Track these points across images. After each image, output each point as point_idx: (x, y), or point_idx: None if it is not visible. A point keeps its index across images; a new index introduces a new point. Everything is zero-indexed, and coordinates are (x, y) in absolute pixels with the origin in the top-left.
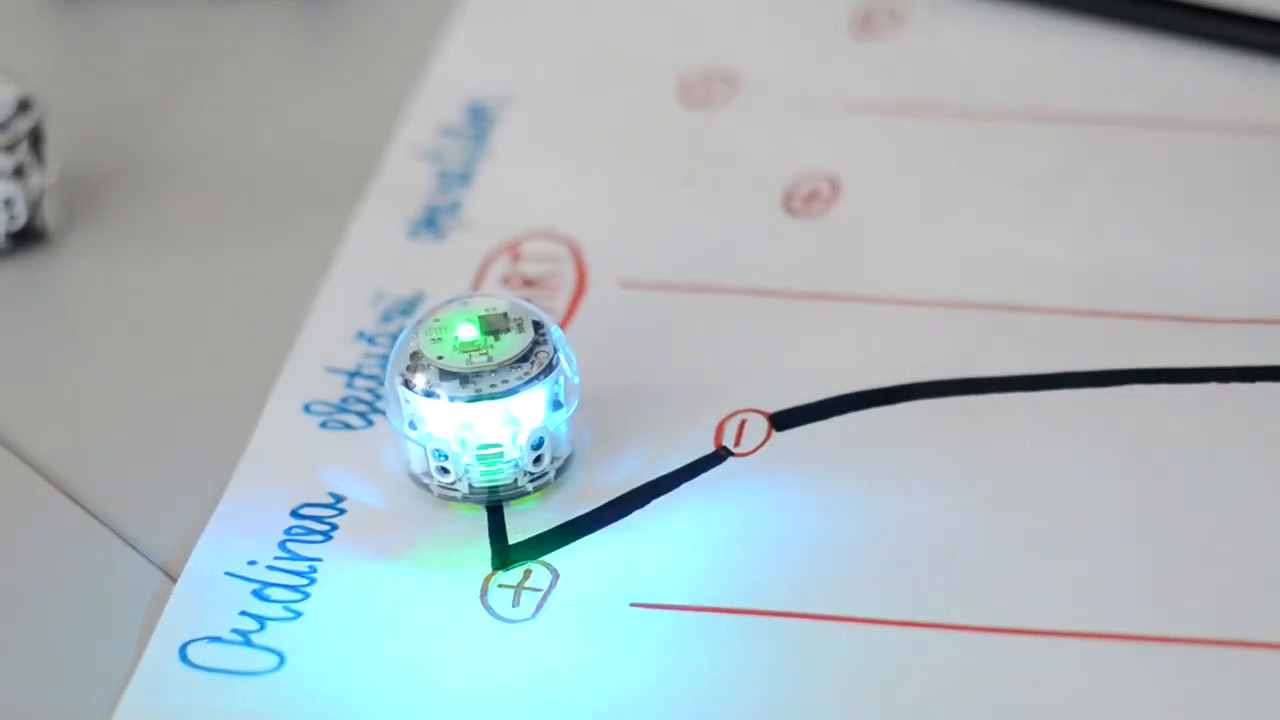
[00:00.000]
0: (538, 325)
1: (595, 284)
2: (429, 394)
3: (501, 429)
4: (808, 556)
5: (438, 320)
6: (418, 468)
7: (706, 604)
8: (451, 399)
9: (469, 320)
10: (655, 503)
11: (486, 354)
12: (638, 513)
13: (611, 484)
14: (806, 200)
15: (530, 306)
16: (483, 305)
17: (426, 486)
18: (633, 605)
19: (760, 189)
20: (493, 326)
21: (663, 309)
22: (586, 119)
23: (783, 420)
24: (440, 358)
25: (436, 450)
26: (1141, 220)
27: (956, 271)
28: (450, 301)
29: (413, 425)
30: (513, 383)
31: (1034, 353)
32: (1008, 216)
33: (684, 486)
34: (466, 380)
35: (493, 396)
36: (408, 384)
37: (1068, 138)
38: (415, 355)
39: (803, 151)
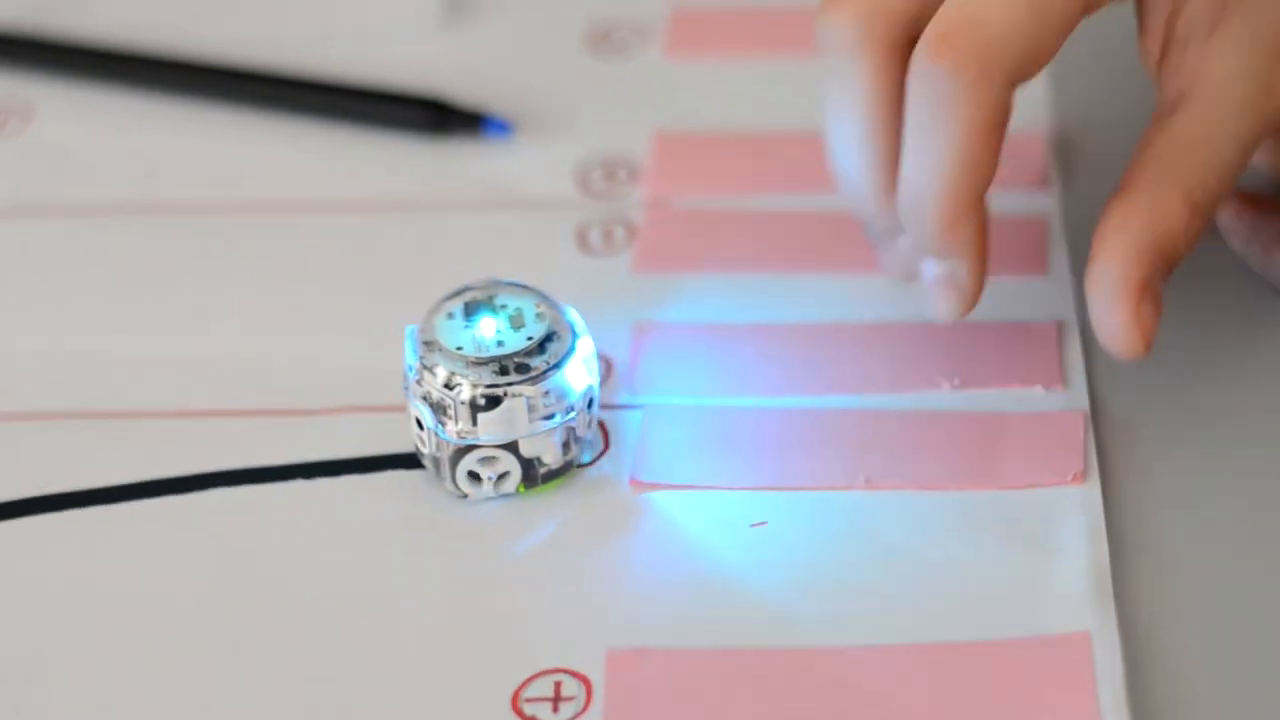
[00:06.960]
0: None
1: None
2: None
3: None
4: None
5: None
6: None
7: None
8: None
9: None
10: None
11: None
12: None
13: None
14: None
15: None
16: None
17: None
18: None
19: None
20: None
21: None
22: None
23: None
24: None
25: None
26: (246, 311)
27: (48, 380)
28: None
29: None
30: None
31: (113, 462)
32: (111, 318)
33: None
34: None
35: None
36: None
37: (188, 228)
38: None
39: None
